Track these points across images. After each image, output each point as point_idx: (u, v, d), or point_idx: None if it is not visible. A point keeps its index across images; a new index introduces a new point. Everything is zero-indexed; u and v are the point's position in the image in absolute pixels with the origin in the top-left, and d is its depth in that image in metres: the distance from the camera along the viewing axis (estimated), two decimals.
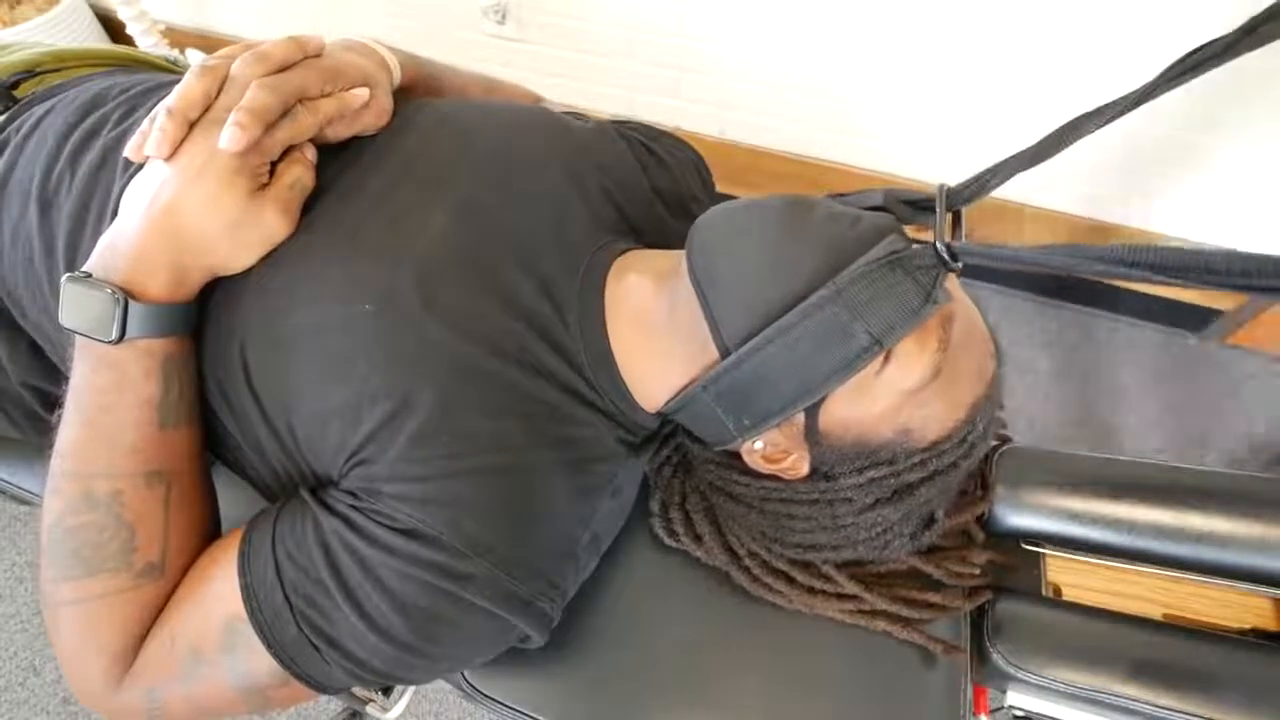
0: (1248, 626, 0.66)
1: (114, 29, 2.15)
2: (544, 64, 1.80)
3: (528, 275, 0.58)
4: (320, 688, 0.53)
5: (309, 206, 0.56)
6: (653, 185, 0.73)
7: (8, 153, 0.68)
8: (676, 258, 0.58)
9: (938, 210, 0.54)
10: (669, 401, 0.60)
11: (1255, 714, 0.58)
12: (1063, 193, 1.58)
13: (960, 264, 0.51)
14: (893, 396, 0.53)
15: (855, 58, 1.52)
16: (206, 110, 0.53)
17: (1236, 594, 0.68)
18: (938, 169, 1.64)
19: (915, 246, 0.52)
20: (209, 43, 2.13)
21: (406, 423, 0.51)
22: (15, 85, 0.76)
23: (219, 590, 0.52)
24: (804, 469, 0.58)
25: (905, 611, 0.65)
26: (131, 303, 0.50)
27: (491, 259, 0.58)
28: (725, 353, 0.53)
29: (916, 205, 0.56)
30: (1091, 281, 1.68)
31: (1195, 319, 1.65)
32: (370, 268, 0.54)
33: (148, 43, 1.97)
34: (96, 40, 2.15)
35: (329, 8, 1.93)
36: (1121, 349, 1.68)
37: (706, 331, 0.54)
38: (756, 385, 0.53)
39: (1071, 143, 0.52)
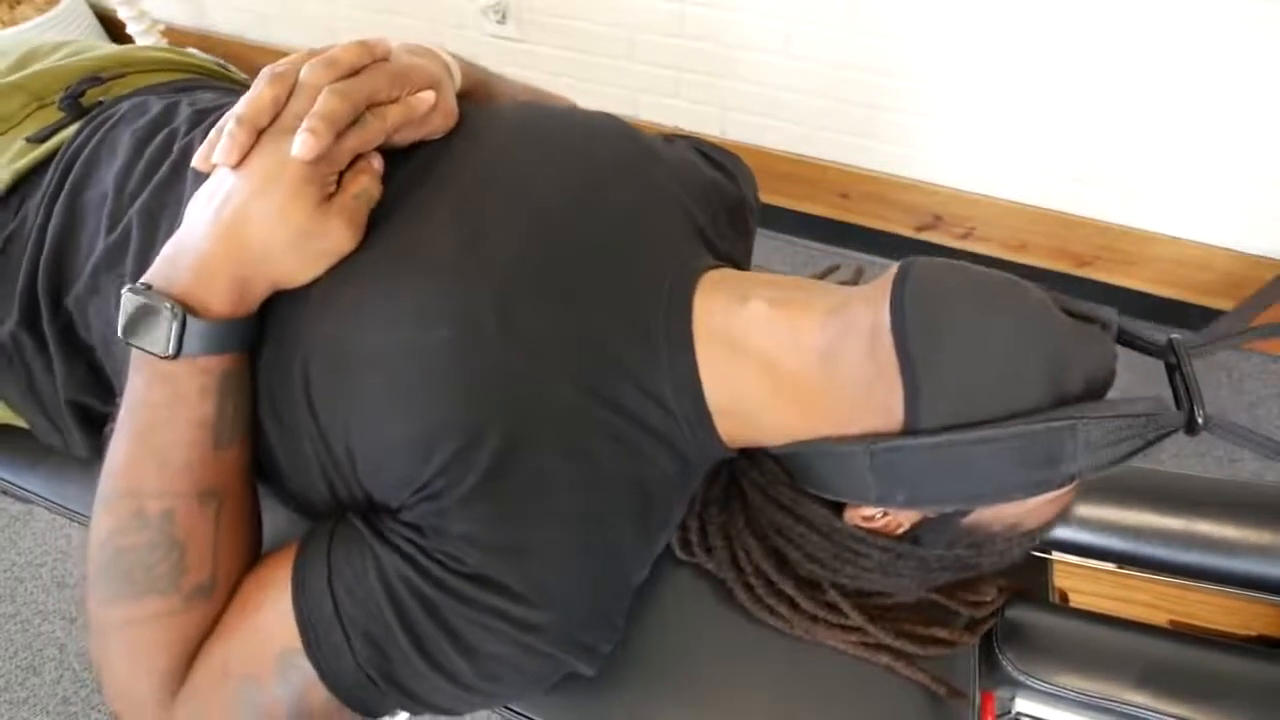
0: (1254, 633, 0.66)
1: (114, 29, 2.14)
2: (544, 64, 1.80)
3: (610, 295, 0.56)
4: (374, 714, 0.52)
5: (376, 219, 0.54)
6: (722, 200, 0.70)
7: (78, 166, 0.67)
8: (835, 295, 0.55)
9: (1183, 369, 0.49)
10: (781, 446, 0.57)
11: None
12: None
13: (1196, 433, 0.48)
14: (1023, 508, 0.52)
15: (854, 57, 1.52)
16: (275, 118, 0.51)
17: (1243, 601, 0.68)
18: (937, 169, 1.64)
19: (1170, 411, 0.48)
20: (209, 43, 2.13)
21: (477, 460, 0.49)
22: (82, 93, 0.75)
23: (272, 620, 0.50)
24: (899, 531, 0.56)
25: (911, 648, 0.63)
26: (190, 318, 0.48)
27: (573, 277, 0.55)
28: (912, 430, 0.49)
29: (1137, 344, 0.54)
30: (1091, 278, 1.68)
31: (1195, 319, 1.65)
32: (446, 287, 0.52)
33: (147, 44, 1.97)
34: (96, 39, 2.14)
35: (328, 8, 1.92)
36: (1122, 349, 1.68)
37: (889, 397, 0.49)
38: (932, 472, 0.50)
39: None
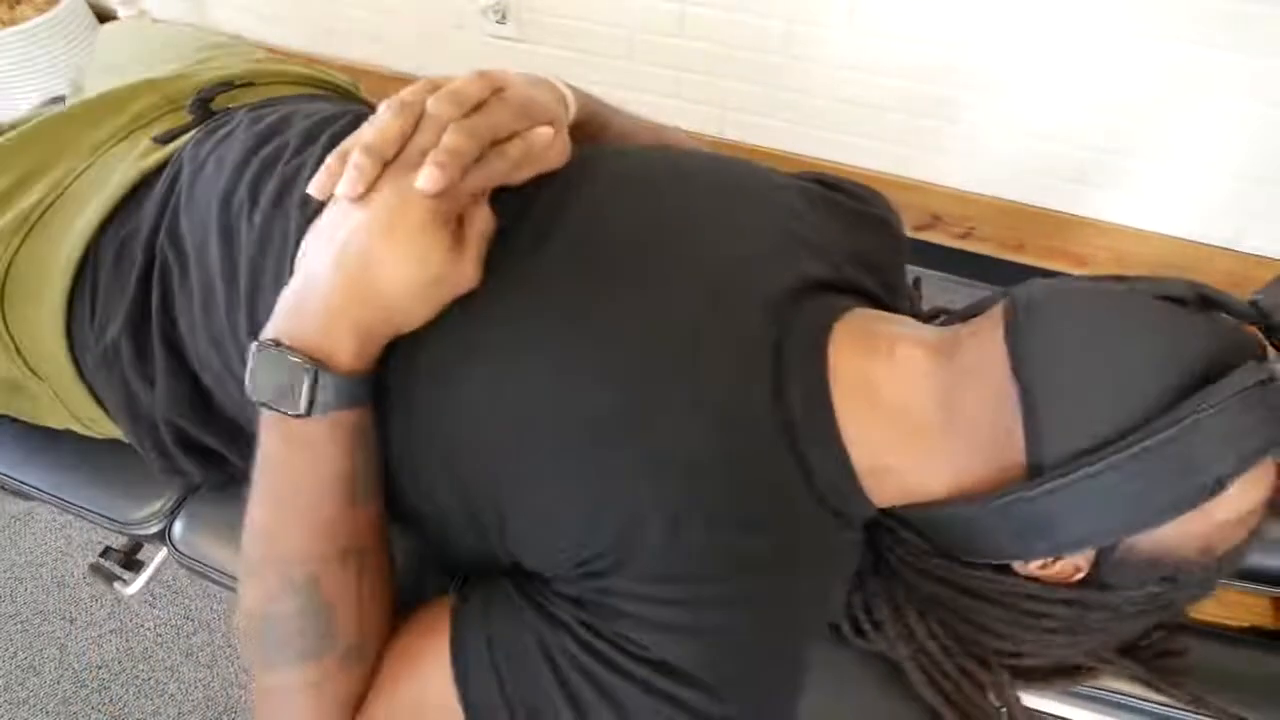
0: (1246, 625, 0.67)
1: None
2: (544, 64, 1.80)
3: (756, 351, 0.52)
4: None
5: (489, 261, 0.51)
6: (853, 245, 0.64)
7: (187, 172, 0.66)
8: (938, 331, 0.53)
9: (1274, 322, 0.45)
10: (910, 506, 0.53)
11: (1255, 711, 0.58)
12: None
13: None
14: (1209, 524, 0.46)
15: (854, 57, 1.52)
16: (399, 151, 0.49)
17: (1234, 593, 0.68)
18: (936, 169, 1.64)
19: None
20: None
21: (647, 536, 0.47)
22: (212, 98, 0.75)
23: (430, 685, 0.50)
24: (1077, 576, 0.50)
25: None
26: (323, 373, 0.46)
27: (715, 333, 0.52)
28: (1036, 471, 0.45)
29: (1227, 310, 0.50)
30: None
31: None
32: (607, 347, 0.50)
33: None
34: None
35: (329, 7, 1.92)
36: None
37: (1009, 442, 0.46)
38: (1067, 514, 0.45)
39: None
